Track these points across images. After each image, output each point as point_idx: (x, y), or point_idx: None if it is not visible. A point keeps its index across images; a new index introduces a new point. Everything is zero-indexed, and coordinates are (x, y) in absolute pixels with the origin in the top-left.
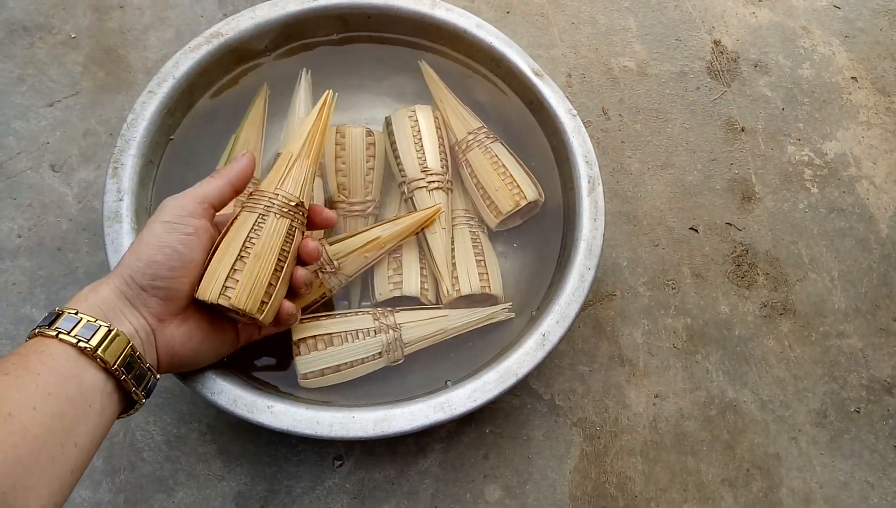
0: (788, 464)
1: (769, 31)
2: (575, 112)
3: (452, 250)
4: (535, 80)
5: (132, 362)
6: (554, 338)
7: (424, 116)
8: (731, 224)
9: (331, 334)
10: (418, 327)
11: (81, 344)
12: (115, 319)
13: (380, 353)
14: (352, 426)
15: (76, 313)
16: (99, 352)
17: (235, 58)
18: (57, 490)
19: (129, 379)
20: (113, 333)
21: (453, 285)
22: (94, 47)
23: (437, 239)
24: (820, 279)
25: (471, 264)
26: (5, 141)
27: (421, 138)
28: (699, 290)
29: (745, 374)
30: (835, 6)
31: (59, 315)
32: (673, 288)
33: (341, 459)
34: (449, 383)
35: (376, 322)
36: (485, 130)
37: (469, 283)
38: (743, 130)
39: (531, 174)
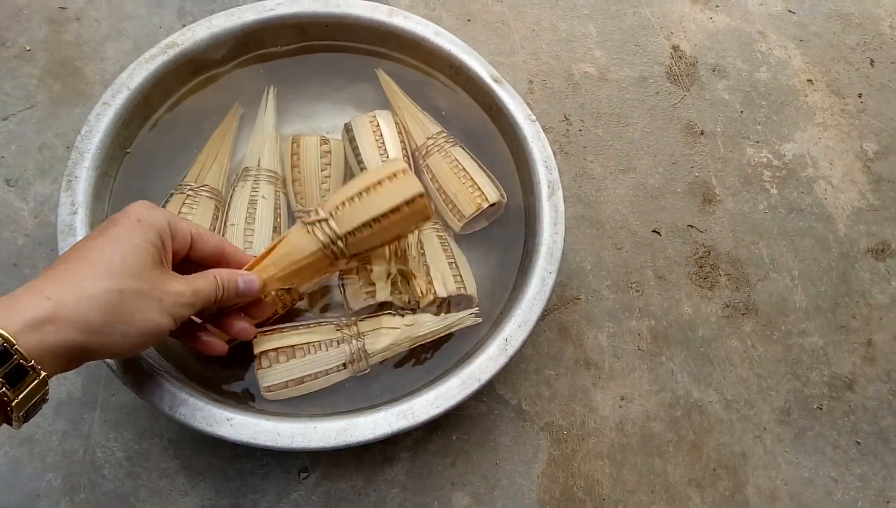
0: (754, 463)
1: (726, 35)
2: (534, 118)
3: (423, 254)
4: (494, 86)
5: (34, 407)
6: (516, 342)
7: (385, 120)
8: (692, 226)
9: (293, 346)
10: (384, 336)
11: (4, 393)
12: (48, 366)
13: (343, 364)
14: (314, 437)
15: (14, 347)
16: (13, 404)
17: (192, 68)
18: None
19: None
20: (37, 384)
21: (428, 289)
22: (50, 60)
23: (408, 244)
24: (781, 279)
25: (444, 267)
26: None
27: (384, 141)
28: (662, 292)
29: (709, 374)
30: (789, 10)
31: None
32: (637, 291)
33: (307, 471)
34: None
35: (339, 333)
36: (444, 134)
37: (444, 286)
38: (702, 133)
39: (492, 176)
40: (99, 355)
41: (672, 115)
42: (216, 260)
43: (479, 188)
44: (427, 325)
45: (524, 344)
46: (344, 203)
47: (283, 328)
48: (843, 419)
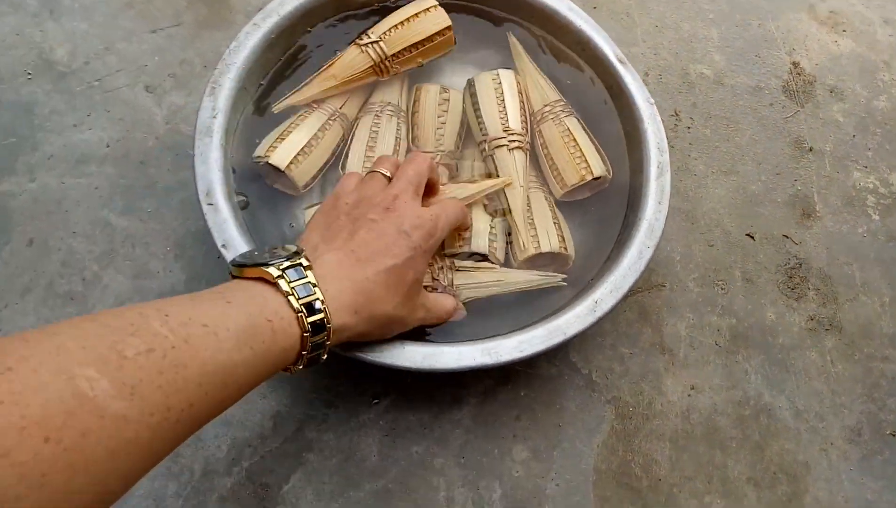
0: (816, 474)
1: (849, 60)
2: (653, 101)
3: (529, 209)
4: (618, 66)
5: (318, 354)
6: (606, 306)
7: (508, 78)
8: (787, 237)
9: None
10: (474, 279)
11: (306, 353)
12: (337, 330)
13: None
14: (401, 356)
15: (328, 324)
16: (308, 345)
17: (336, 7)
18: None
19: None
20: (319, 353)
21: (531, 242)
22: None
23: (516, 197)
24: (870, 303)
25: (549, 224)
26: (108, 59)
27: (504, 99)
28: (748, 294)
29: (783, 381)
30: None
31: (314, 309)
32: (722, 288)
33: (378, 398)
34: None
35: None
36: (562, 103)
37: (549, 241)
38: (811, 149)
39: (601, 151)
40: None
41: (783, 127)
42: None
43: (586, 160)
44: (514, 280)
45: (613, 309)
46: (389, 30)
47: None
48: None
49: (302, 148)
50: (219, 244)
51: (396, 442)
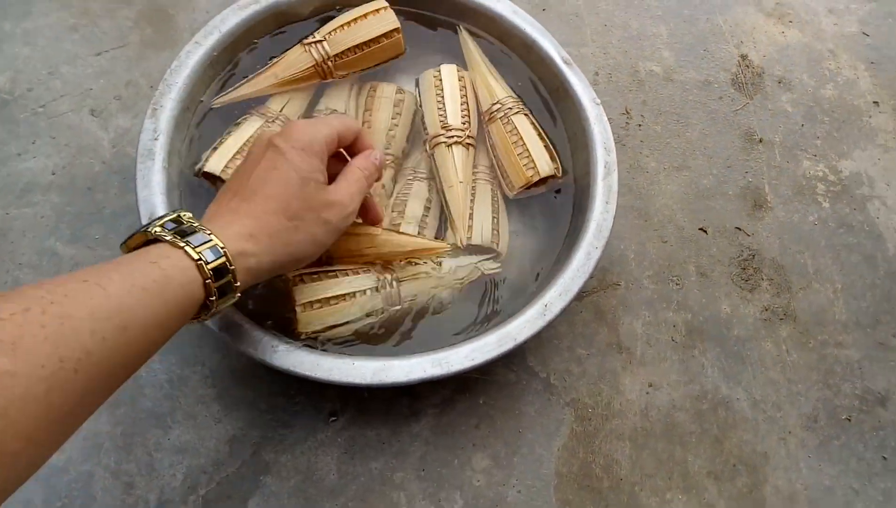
0: (775, 463)
1: (796, 50)
2: (599, 101)
3: (472, 201)
4: (563, 67)
5: (227, 300)
6: (555, 309)
7: (448, 73)
8: (740, 229)
9: (332, 296)
10: (416, 281)
11: (211, 300)
12: (237, 255)
13: (380, 310)
14: (350, 372)
15: (222, 249)
16: (213, 310)
17: (278, 20)
18: (101, 403)
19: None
20: (233, 297)
21: (465, 233)
22: (146, 5)
23: (454, 195)
24: (823, 290)
25: (486, 218)
26: (51, 83)
27: (443, 96)
28: (702, 288)
29: (739, 373)
30: (864, 33)
31: (219, 256)
32: (677, 284)
33: (335, 415)
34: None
35: (377, 280)
36: (512, 99)
37: (481, 234)
38: (761, 141)
39: (553, 149)
40: (275, 274)
41: (732, 120)
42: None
43: (533, 160)
44: (453, 271)
45: (562, 313)
46: (335, 30)
47: (321, 273)
48: (872, 434)
49: (236, 152)
50: None
51: (355, 459)
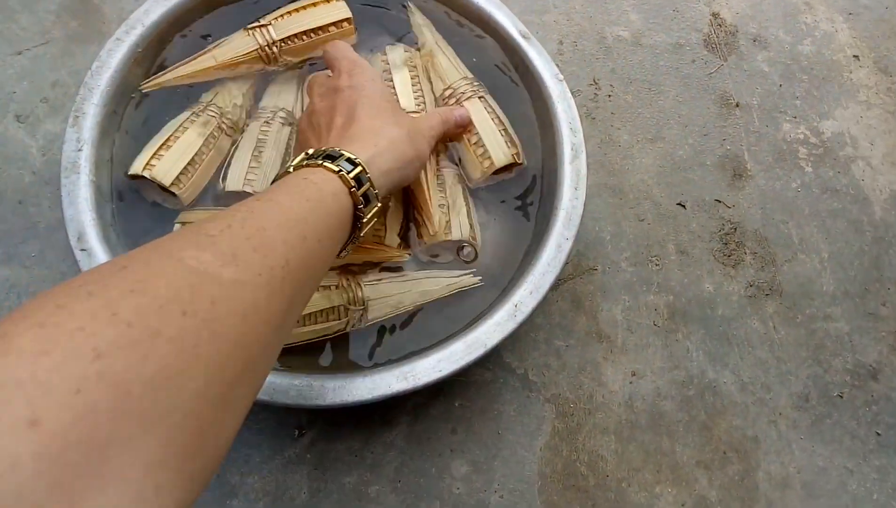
0: (766, 448)
1: (770, 5)
2: (561, 77)
3: (443, 193)
4: (521, 42)
5: (372, 207)
6: (526, 309)
7: (395, 54)
8: (720, 201)
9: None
10: (385, 300)
11: (360, 208)
12: (369, 161)
13: (340, 307)
14: (309, 395)
15: (367, 176)
16: (363, 221)
17: (208, 5)
18: (299, 315)
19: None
20: (376, 210)
21: (443, 229)
22: None
23: (419, 184)
24: (809, 261)
25: (462, 211)
26: None
27: (392, 79)
28: (683, 267)
29: (726, 355)
30: None
31: (354, 165)
32: (656, 264)
33: (303, 429)
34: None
35: (341, 280)
36: (465, 81)
37: (459, 228)
38: (738, 105)
39: (511, 133)
40: (401, 180)
41: (707, 84)
42: None
43: (488, 151)
44: (424, 281)
45: (534, 312)
46: (283, 15)
47: None
48: (864, 409)
49: (160, 147)
50: None
51: (326, 475)
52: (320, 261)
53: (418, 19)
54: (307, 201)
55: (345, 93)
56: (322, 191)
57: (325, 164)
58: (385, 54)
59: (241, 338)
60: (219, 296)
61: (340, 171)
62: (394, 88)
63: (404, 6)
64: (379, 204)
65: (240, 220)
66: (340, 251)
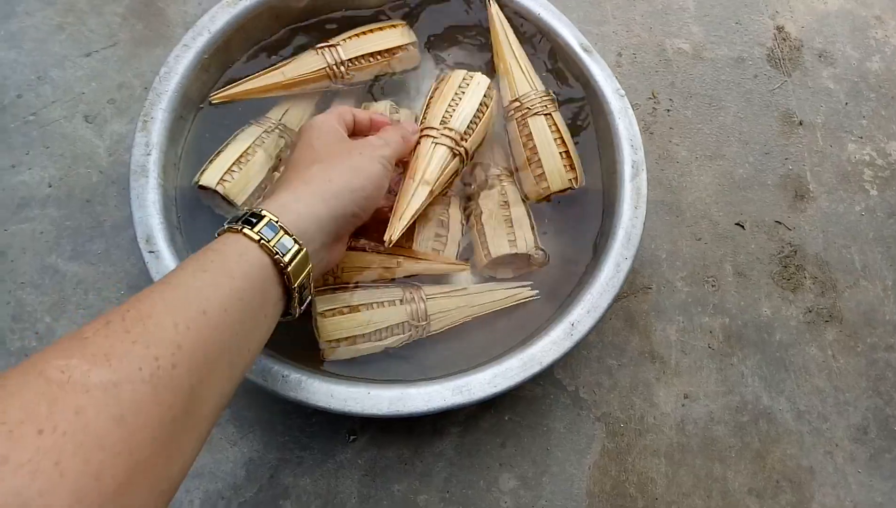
0: (822, 479)
1: (838, 18)
2: (623, 92)
3: (507, 206)
4: (583, 55)
5: (305, 283)
6: (583, 328)
7: (478, 82)
8: (780, 222)
9: (357, 304)
10: (444, 300)
11: (277, 258)
12: (308, 240)
13: (404, 324)
14: (366, 403)
15: (278, 223)
16: (288, 270)
17: (274, 17)
18: (227, 392)
19: (297, 297)
20: (302, 254)
21: (504, 242)
22: None
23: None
24: (872, 288)
25: (524, 223)
26: (41, 89)
27: (462, 97)
28: (740, 289)
29: (782, 381)
30: None
31: (260, 218)
32: (713, 285)
33: (355, 434)
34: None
35: (403, 294)
36: (534, 94)
37: (525, 241)
38: (801, 123)
39: (571, 154)
40: (347, 217)
41: (769, 101)
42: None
43: (545, 175)
44: (483, 295)
45: (591, 331)
46: (351, 37)
47: (347, 286)
48: None
49: (232, 164)
50: None
51: (377, 481)
52: (232, 330)
53: (497, 22)
54: (204, 272)
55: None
56: (225, 255)
57: (231, 226)
58: (472, 77)
59: (121, 443)
60: (85, 404)
61: (243, 227)
62: (458, 103)
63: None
64: (304, 251)
65: (121, 313)
66: (288, 307)
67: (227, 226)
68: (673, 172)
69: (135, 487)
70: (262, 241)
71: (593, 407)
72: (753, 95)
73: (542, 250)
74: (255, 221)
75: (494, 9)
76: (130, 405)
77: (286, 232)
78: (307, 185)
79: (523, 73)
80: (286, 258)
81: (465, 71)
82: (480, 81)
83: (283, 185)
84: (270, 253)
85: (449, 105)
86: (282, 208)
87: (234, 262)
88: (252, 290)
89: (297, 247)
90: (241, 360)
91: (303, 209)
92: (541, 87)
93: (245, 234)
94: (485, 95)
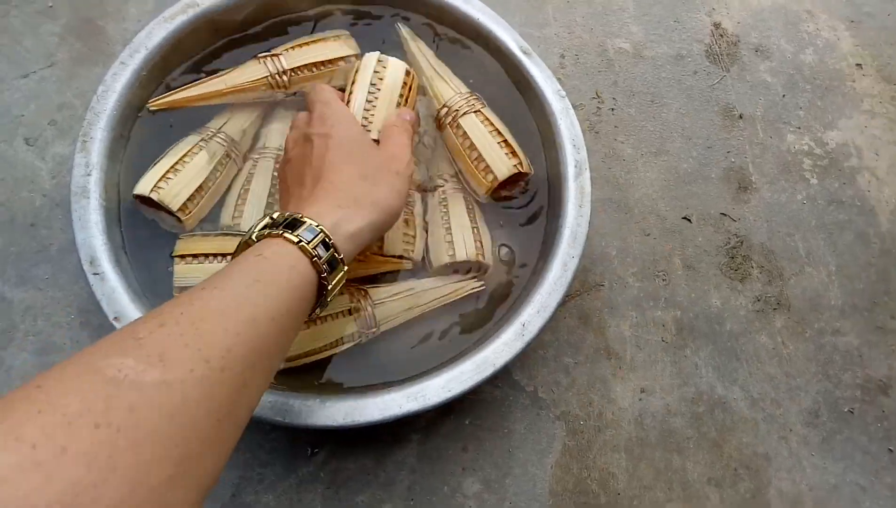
0: (777, 465)
1: (772, 14)
2: (564, 93)
3: (447, 215)
4: (522, 58)
5: (337, 273)
6: (534, 328)
7: (395, 69)
8: (725, 214)
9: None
10: (391, 303)
11: (324, 277)
12: (348, 260)
13: (354, 333)
14: (321, 415)
15: (331, 242)
16: (329, 287)
17: (213, 30)
18: (263, 391)
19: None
20: (343, 274)
21: (445, 250)
22: (72, 17)
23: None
24: (816, 274)
25: (466, 231)
26: None
27: (378, 90)
28: (690, 282)
29: (735, 370)
30: None
31: (315, 233)
32: (663, 279)
33: (316, 447)
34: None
35: (353, 303)
36: (459, 97)
37: (464, 249)
38: (741, 116)
39: (511, 143)
40: (377, 235)
41: (710, 96)
42: None
43: (489, 165)
44: (430, 291)
45: (542, 330)
46: (294, 47)
47: None
48: (876, 425)
49: (168, 170)
50: (110, 317)
51: (340, 493)
52: (276, 338)
53: (408, 39)
54: (256, 282)
55: (315, 142)
56: (277, 266)
57: (285, 234)
58: (386, 63)
59: (170, 439)
60: (138, 402)
61: (300, 241)
62: (376, 98)
63: (406, 19)
64: (346, 269)
65: (175, 316)
66: (310, 315)
67: (281, 231)
68: (619, 170)
69: (181, 481)
70: (315, 259)
71: (552, 406)
72: (694, 91)
73: (484, 255)
74: (310, 237)
75: (405, 30)
76: (181, 405)
77: (335, 251)
78: (357, 206)
79: (445, 81)
80: (332, 279)
81: (378, 55)
82: (396, 67)
83: (330, 194)
84: (319, 270)
85: (367, 101)
86: (335, 227)
87: (286, 274)
88: (298, 301)
89: (342, 269)
90: (277, 362)
91: (352, 230)
92: (464, 89)
93: (302, 248)
94: (404, 85)
